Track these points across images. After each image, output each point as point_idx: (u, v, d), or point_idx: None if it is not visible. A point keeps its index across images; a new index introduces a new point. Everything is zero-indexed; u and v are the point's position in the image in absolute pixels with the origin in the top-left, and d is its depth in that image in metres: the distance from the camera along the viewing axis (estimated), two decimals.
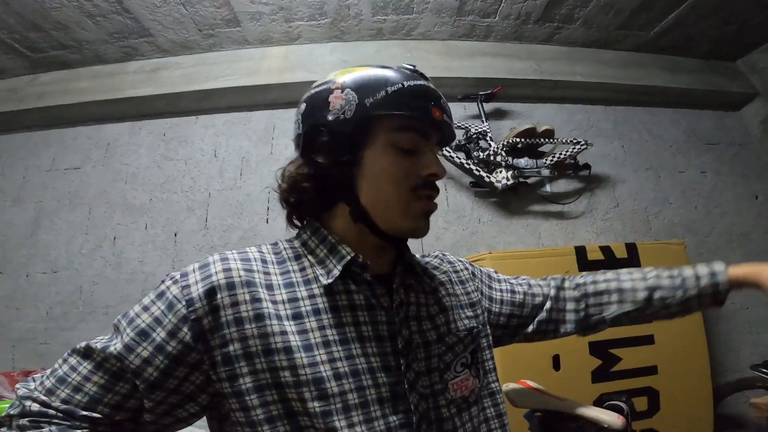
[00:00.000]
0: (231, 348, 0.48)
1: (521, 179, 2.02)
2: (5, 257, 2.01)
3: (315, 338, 0.50)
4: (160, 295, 0.50)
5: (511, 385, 1.23)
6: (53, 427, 0.45)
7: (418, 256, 0.69)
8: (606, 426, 1.04)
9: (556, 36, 2.25)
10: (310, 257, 0.56)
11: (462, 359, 0.60)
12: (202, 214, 2.03)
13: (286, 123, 2.19)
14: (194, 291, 0.49)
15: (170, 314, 0.48)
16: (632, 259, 1.65)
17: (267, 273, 0.53)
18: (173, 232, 2.01)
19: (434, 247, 1.98)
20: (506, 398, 1.17)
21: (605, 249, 1.65)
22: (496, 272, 0.77)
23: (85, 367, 0.48)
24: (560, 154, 2.01)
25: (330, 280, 0.53)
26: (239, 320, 0.49)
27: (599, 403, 1.14)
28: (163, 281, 0.52)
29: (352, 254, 0.54)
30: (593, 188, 2.19)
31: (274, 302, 0.51)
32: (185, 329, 0.48)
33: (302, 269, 0.55)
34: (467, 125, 2.07)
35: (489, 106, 2.17)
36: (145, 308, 0.50)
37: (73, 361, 0.49)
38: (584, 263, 1.60)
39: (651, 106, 2.40)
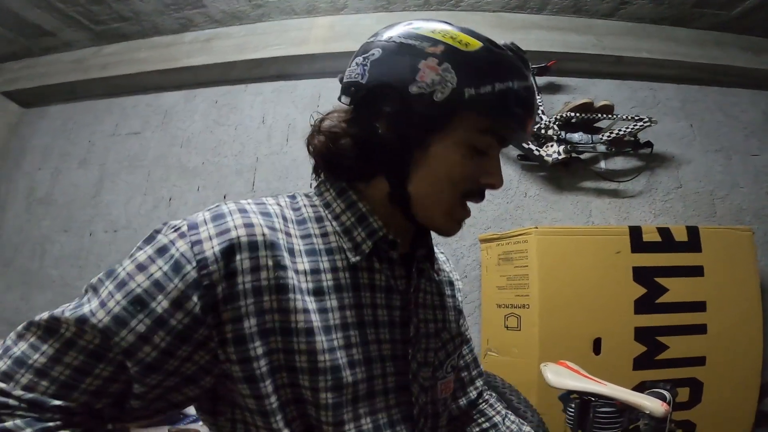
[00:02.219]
0: (246, 324, 0.40)
1: (574, 154, 1.92)
2: (71, 217, 2.21)
3: (334, 319, 0.44)
4: (161, 251, 0.40)
5: (550, 365, 1.22)
6: (18, 421, 0.35)
7: None
8: (647, 413, 1.01)
9: (620, 11, 2.12)
10: (334, 222, 0.48)
11: (452, 361, 0.58)
12: (249, 177, 2.12)
13: (332, 92, 2.18)
14: (208, 249, 0.39)
15: (176, 277, 0.39)
16: (692, 243, 1.53)
17: (288, 234, 0.45)
18: (222, 194, 2.12)
19: (476, 219, 1.96)
20: (544, 376, 1.17)
21: (663, 231, 1.54)
22: None
23: (52, 345, 0.38)
24: (619, 130, 1.91)
25: (358, 258, 0.47)
26: (258, 290, 0.40)
27: (640, 390, 1.11)
28: (158, 231, 0.42)
29: (384, 229, 0.48)
30: (654, 167, 2.05)
31: (296, 272, 0.43)
32: (195, 298, 0.38)
33: (324, 234, 0.48)
34: None
35: (541, 80, 2.09)
36: (141, 267, 0.39)
37: (32, 337, 0.38)
38: (639, 244, 1.50)
39: (728, 86, 2.21)
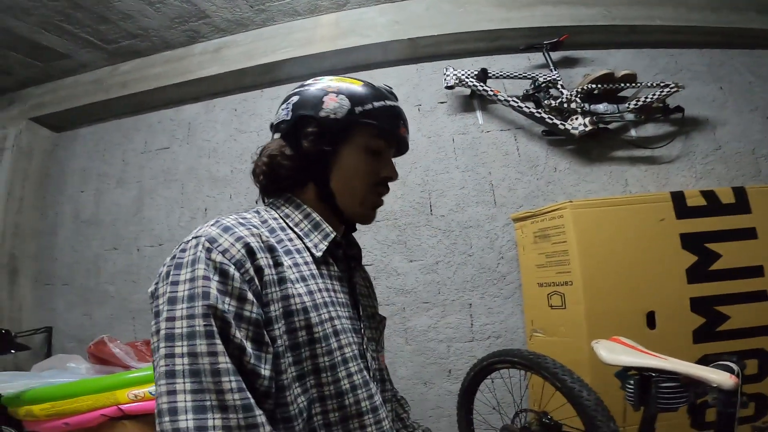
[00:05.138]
0: (272, 308, 0.50)
1: (601, 125, 1.87)
2: (117, 234, 2.29)
3: (319, 299, 0.56)
4: (201, 266, 0.47)
5: (603, 341, 1.18)
6: None
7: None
8: (715, 386, 0.96)
9: None
10: (296, 229, 0.62)
11: (383, 340, 0.72)
12: None
13: None
14: (236, 252, 0.49)
15: (229, 281, 0.47)
16: (741, 205, 1.46)
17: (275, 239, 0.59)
18: (254, 200, 2.13)
19: (506, 199, 1.94)
20: (597, 354, 1.13)
21: (708, 194, 1.47)
22: None
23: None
24: (646, 97, 1.86)
25: (320, 254, 0.60)
26: (274, 282, 0.52)
27: (703, 364, 1.05)
28: (181, 255, 0.49)
29: (335, 233, 0.63)
30: (688, 131, 1.99)
31: (287, 267, 0.55)
32: (248, 290, 0.48)
33: (290, 239, 0.60)
34: (534, 75, 1.95)
35: (556, 55, 2.05)
36: (202, 294, 0.45)
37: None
38: (683, 210, 1.44)
39: (752, 48, 2.15)
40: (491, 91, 1.91)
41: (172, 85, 2.28)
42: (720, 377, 0.95)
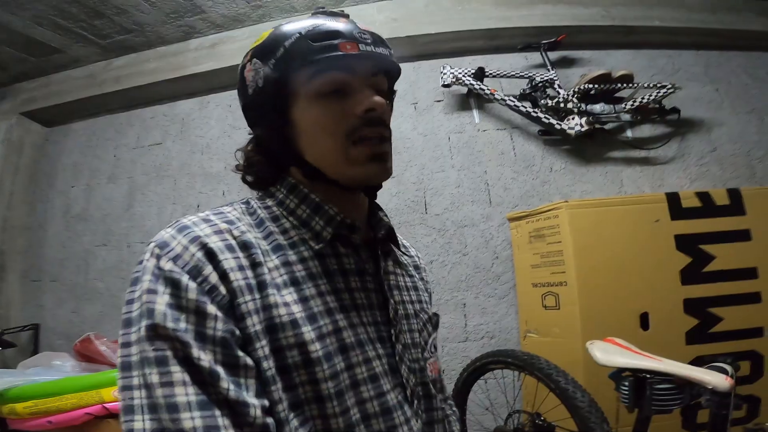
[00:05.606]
0: (250, 321, 0.40)
1: (597, 125, 1.87)
2: (108, 230, 2.26)
3: (317, 306, 0.44)
4: (150, 278, 0.38)
5: (597, 342, 1.17)
6: None
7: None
8: (710, 388, 0.95)
9: None
10: (290, 218, 0.50)
11: (434, 341, 0.58)
12: None
13: None
14: (189, 258, 0.39)
15: (182, 293, 0.37)
16: (735, 206, 1.46)
17: (256, 236, 0.47)
18: (248, 197, 2.11)
19: (503, 197, 1.93)
20: (591, 355, 1.12)
21: (703, 195, 1.47)
22: None
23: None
24: (642, 98, 1.86)
25: (321, 245, 0.48)
26: (249, 287, 0.41)
27: (697, 365, 1.05)
28: (137, 270, 0.40)
29: (341, 215, 0.50)
30: (684, 132, 1.99)
31: (269, 269, 0.44)
32: (209, 303, 0.38)
33: (284, 231, 0.49)
34: (531, 74, 1.95)
35: (554, 55, 2.04)
36: (147, 312, 0.37)
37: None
38: (678, 211, 1.44)
39: (749, 50, 2.16)
40: (488, 89, 1.90)
41: (166, 80, 2.25)
42: (715, 379, 0.95)
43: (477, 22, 2.04)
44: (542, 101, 1.89)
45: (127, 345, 0.37)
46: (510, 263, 1.85)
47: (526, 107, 1.89)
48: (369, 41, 0.48)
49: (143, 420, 0.34)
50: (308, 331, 0.42)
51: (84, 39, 2.19)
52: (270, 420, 0.38)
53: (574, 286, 1.39)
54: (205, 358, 0.36)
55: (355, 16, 1.87)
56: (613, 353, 1.11)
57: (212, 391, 0.35)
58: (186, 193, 2.20)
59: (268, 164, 0.54)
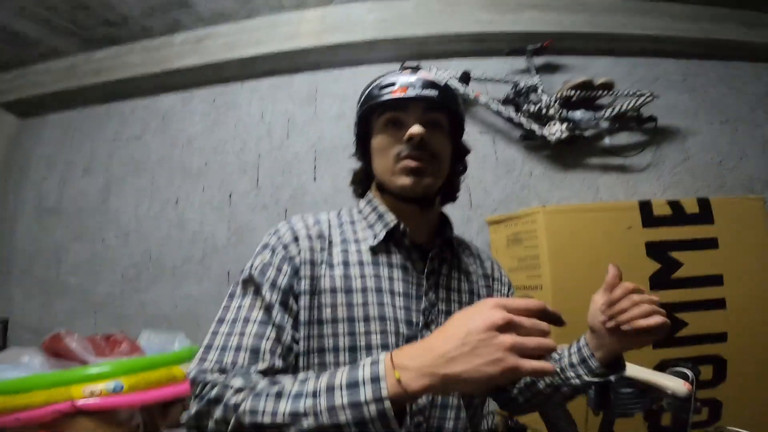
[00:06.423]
0: (303, 283, 0.59)
1: (577, 132, 1.89)
2: (82, 224, 2.21)
3: (356, 282, 0.61)
4: (260, 247, 0.64)
5: (560, 347, 1.19)
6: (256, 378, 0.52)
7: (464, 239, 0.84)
8: (670, 393, 0.98)
9: None
10: (364, 222, 0.70)
11: None
12: (253, 174, 2.11)
13: (328, 85, 2.18)
14: (284, 237, 0.63)
15: (274, 256, 0.61)
16: (704, 215, 1.50)
17: (331, 232, 0.67)
18: (228, 193, 2.10)
19: (483, 201, 1.94)
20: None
21: (674, 204, 1.51)
22: None
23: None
24: (621, 106, 1.88)
25: (375, 243, 0.65)
26: (313, 262, 0.61)
27: (660, 369, 1.08)
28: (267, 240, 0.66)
29: (396, 221, 0.67)
30: (660, 141, 2.03)
31: (330, 253, 0.63)
32: (287, 264, 0.60)
33: (355, 231, 0.68)
34: (515, 79, 1.97)
35: (539, 60, 2.06)
36: (253, 265, 0.61)
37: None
38: (649, 219, 1.48)
39: (728, 59, 2.19)
40: (473, 93, 1.92)
41: (149, 74, 2.20)
42: (674, 384, 0.97)
43: (465, 25, 2.05)
44: (525, 107, 1.91)
45: (236, 284, 0.61)
46: None
47: (509, 112, 1.91)
48: (417, 86, 0.64)
49: (227, 323, 0.56)
50: (342, 296, 0.59)
51: (64, 30, 2.14)
52: (295, 346, 0.57)
53: (549, 289, 1.41)
54: (270, 296, 0.56)
55: (344, 16, 1.86)
56: None
57: (269, 315, 0.56)
58: (164, 188, 2.17)
59: (364, 180, 0.75)
